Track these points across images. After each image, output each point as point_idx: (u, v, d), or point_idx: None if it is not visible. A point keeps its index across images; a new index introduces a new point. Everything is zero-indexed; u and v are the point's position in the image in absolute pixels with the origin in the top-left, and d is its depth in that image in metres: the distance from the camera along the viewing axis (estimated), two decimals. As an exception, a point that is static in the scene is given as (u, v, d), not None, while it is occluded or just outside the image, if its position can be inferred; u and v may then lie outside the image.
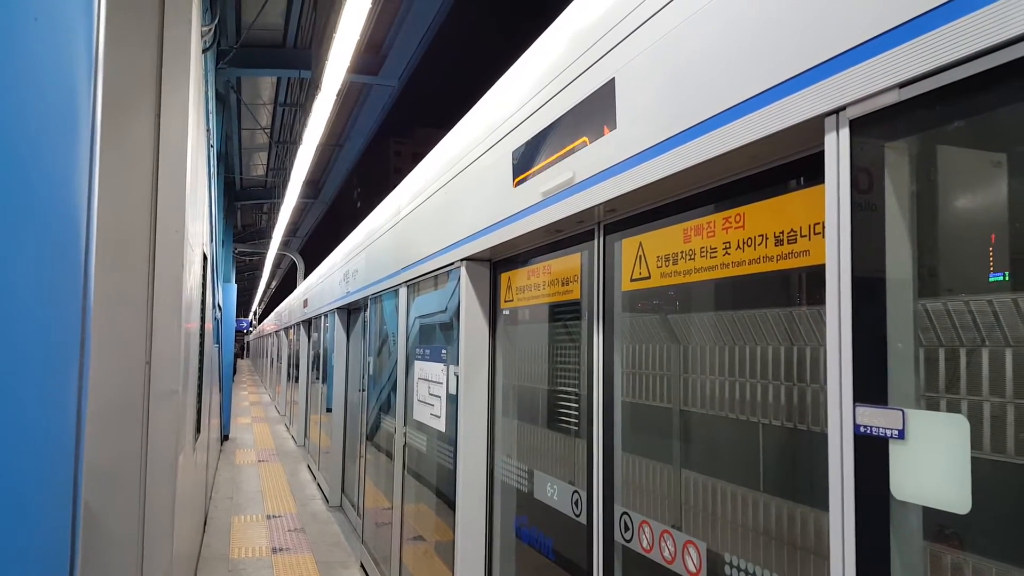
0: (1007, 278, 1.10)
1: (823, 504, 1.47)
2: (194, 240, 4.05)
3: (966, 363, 1.18)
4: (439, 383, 3.93)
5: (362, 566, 6.19)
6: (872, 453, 1.22)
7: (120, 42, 3.07)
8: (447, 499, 3.79)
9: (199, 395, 5.20)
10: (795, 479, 1.70)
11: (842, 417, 1.27)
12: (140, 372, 2.99)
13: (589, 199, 2.19)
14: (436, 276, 4.05)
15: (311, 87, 7.07)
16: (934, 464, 1.14)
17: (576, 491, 2.61)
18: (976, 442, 1.13)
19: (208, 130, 5.66)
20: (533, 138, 2.63)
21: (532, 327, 3.12)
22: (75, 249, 0.84)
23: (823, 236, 1.48)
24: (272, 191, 15.52)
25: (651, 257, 2.18)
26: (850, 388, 1.25)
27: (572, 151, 2.31)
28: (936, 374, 1.22)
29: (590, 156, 2.19)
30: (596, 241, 2.48)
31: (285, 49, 8.58)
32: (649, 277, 2.19)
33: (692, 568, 1.96)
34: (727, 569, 1.83)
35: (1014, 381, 1.11)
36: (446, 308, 3.86)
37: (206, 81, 5.23)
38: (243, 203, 16.32)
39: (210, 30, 4.73)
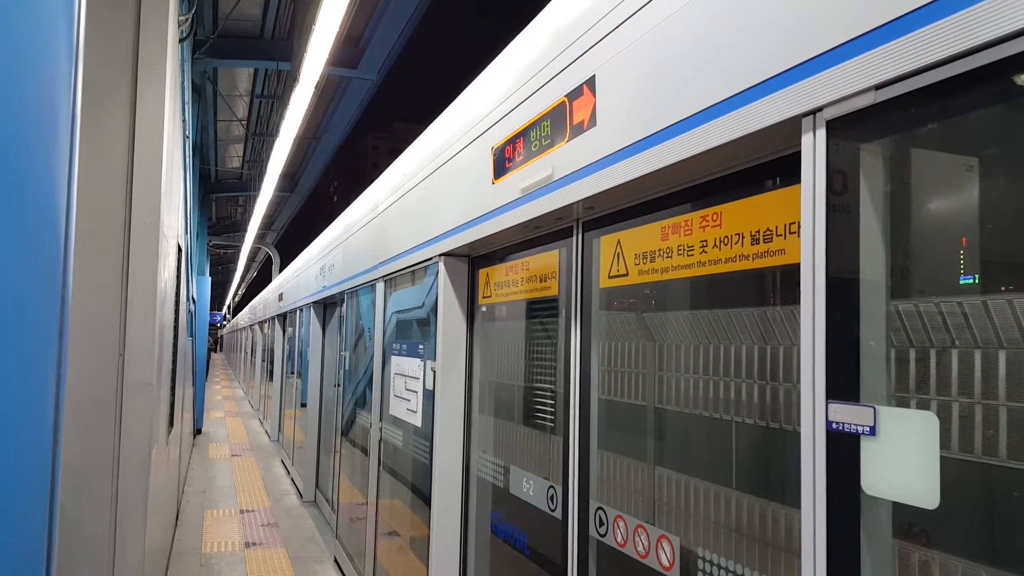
0: (976, 280, 1.13)
1: (795, 501, 1.50)
2: (169, 232, 4.00)
3: (936, 363, 1.21)
4: (415, 378, 3.93)
5: (336, 561, 6.16)
6: (844, 449, 1.25)
7: (96, 30, 3.02)
8: (423, 494, 3.79)
9: (172, 388, 5.14)
10: (767, 476, 1.72)
11: (815, 414, 1.29)
12: (114, 364, 2.95)
13: (568, 196, 2.20)
14: (413, 271, 4.04)
15: (289, 79, 7.01)
16: (904, 460, 1.17)
17: (552, 486, 2.63)
18: (944, 440, 1.16)
19: (184, 121, 5.58)
20: (513, 134, 2.63)
21: (510, 323, 3.13)
22: (54, 240, 0.83)
23: (799, 235, 1.50)
24: (248, 184, 15.35)
25: (629, 254, 2.19)
26: (823, 385, 1.28)
27: (552, 148, 2.32)
28: (907, 374, 1.25)
29: (569, 153, 2.20)
30: (575, 238, 2.49)
31: (263, 40, 8.49)
32: (627, 274, 2.21)
33: (666, 562, 1.98)
34: (700, 563, 1.86)
35: (982, 382, 1.14)
36: (423, 304, 3.85)
37: (182, 71, 5.16)
38: (218, 195, 16.12)
39: (187, 19, 4.66)
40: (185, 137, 5.83)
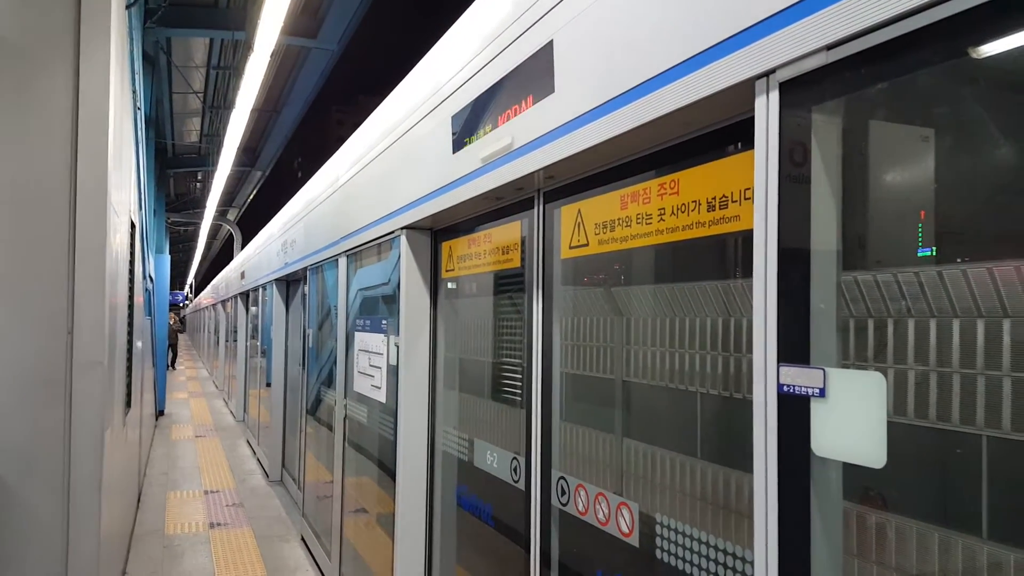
0: (934, 253, 1.13)
1: (748, 466, 1.50)
2: (119, 207, 3.87)
3: (884, 330, 1.21)
4: (379, 354, 3.89)
5: (303, 539, 6.14)
6: (794, 411, 1.25)
7: (32, -7, 2.87)
8: (388, 470, 3.77)
9: (129, 369, 5.01)
10: (721, 442, 1.73)
11: (766, 376, 1.29)
12: (62, 342, 2.85)
13: (528, 165, 2.17)
14: (379, 246, 3.98)
15: (244, 48, 6.82)
16: (852, 420, 1.17)
17: (515, 458, 2.63)
18: (892, 403, 1.17)
19: (134, 92, 5.39)
20: (472, 103, 2.58)
21: (473, 297, 3.11)
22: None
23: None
24: (207, 159, 14.98)
25: (589, 224, 2.18)
26: (775, 349, 1.28)
27: (511, 116, 2.28)
28: (856, 339, 1.25)
29: (528, 121, 2.17)
30: (536, 209, 2.47)
31: (217, 9, 8.23)
32: (587, 244, 2.19)
33: (625, 528, 1.99)
34: (658, 528, 1.87)
35: (915, 348, 1.15)
36: (389, 280, 3.80)
37: (131, 39, 4.96)
38: (176, 171, 15.73)
39: (134, -15, 4.48)
40: (136, 108, 5.64)
